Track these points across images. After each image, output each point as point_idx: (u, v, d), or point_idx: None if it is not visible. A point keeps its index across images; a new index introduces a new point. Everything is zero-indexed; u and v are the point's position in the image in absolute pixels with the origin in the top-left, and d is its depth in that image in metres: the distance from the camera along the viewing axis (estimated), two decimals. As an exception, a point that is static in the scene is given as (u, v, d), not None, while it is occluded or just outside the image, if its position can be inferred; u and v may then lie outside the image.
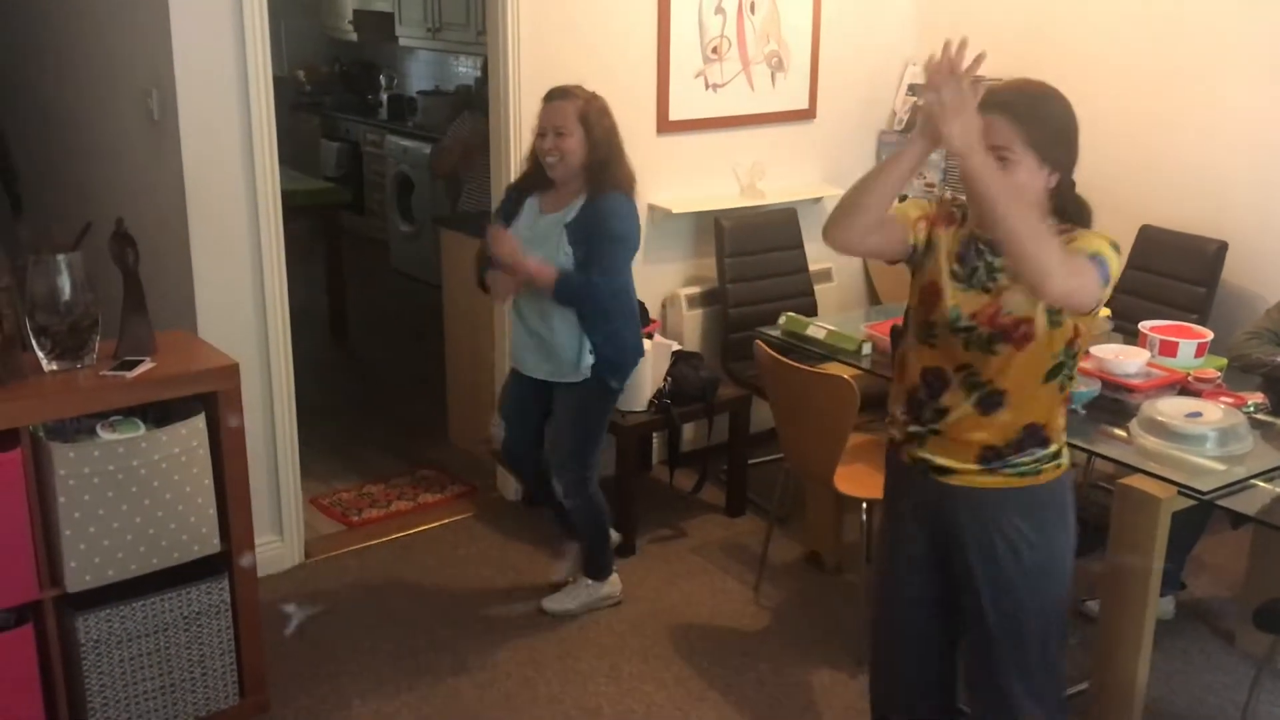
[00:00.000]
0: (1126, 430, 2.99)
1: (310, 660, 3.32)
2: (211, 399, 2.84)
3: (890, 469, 2.44)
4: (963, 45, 1.97)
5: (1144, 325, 3.49)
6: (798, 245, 4.56)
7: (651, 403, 3.94)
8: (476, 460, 4.47)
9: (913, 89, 4.90)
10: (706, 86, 4.40)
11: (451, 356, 4.68)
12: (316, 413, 4.57)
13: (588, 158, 3.18)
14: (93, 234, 2.80)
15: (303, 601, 3.57)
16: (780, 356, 3.38)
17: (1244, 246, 4.02)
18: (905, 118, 4.90)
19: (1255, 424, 3.01)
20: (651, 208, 4.34)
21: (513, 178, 3.66)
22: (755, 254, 4.42)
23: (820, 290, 4.64)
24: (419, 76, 8.37)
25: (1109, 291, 2.11)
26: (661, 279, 4.46)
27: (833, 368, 3.51)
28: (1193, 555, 3.64)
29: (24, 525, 2.62)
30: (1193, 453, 2.86)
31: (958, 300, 2.19)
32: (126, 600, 2.78)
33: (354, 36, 8.30)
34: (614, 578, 3.62)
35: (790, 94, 4.62)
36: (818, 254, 4.70)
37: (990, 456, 2.22)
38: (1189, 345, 3.34)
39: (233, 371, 2.87)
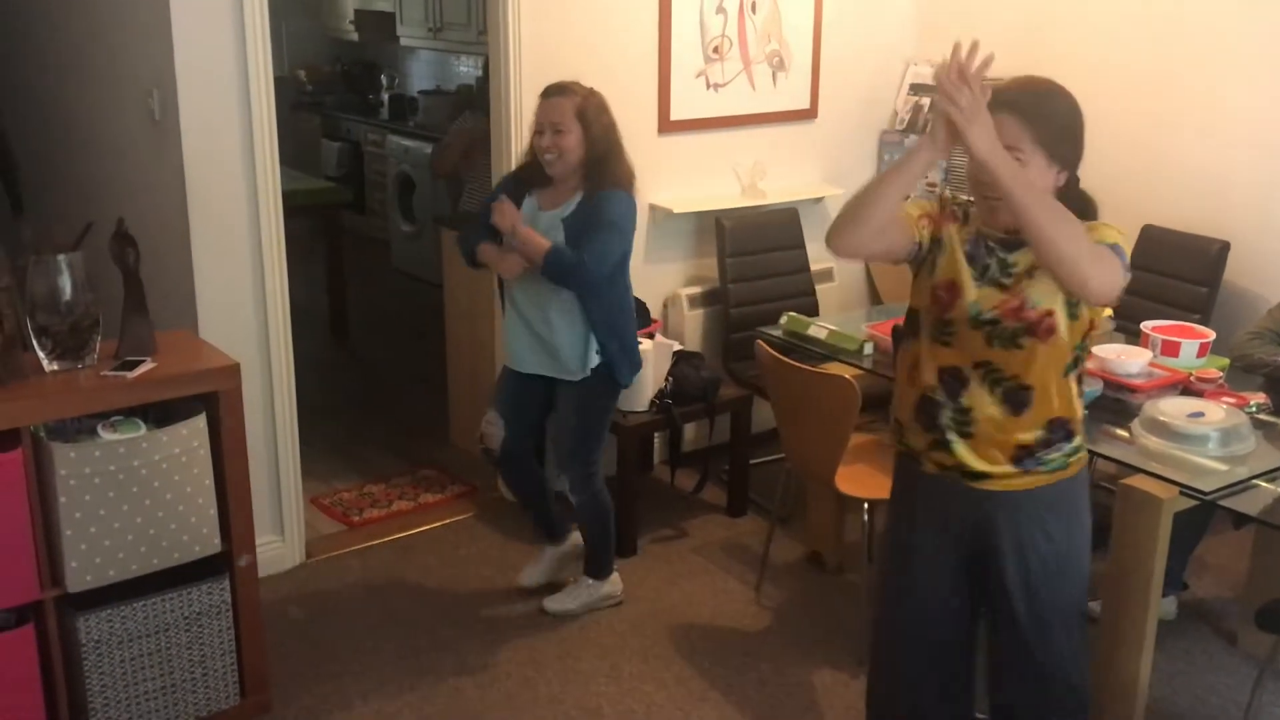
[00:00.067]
0: (1128, 430, 2.99)
1: (311, 660, 3.32)
2: (212, 399, 2.83)
3: (905, 478, 2.38)
4: (973, 49, 1.96)
5: (1146, 325, 3.49)
6: (799, 245, 4.56)
7: (653, 403, 3.94)
8: (477, 460, 4.45)
9: (915, 89, 4.90)
10: (707, 86, 4.39)
11: (452, 356, 4.68)
12: (317, 412, 4.56)
13: (586, 155, 3.16)
14: (93, 234, 2.80)
15: (304, 601, 3.58)
16: (781, 356, 3.37)
17: (1246, 246, 4.02)
18: (907, 117, 4.90)
19: (1257, 424, 3.01)
20: (653, 207, 4.34)
21: (513, 178, 3.65)
22: (756, 254, 4.42)
23: (821, 290, 4.64)
24: (420, 76, 8.37)
25: (1128, 279, 2.14)
26: (663, 279, 4.46)
27: (834, 368, 3.51)
28: (1195, 555, 3.63)
29: (25, 525, 2.62)
30: (1195, 453, 2.85)
31: (977, 295, 2.18)
32: (127, 600, 2.78)
33: (355, 36, 8.30)
34: (615, 577, 3.62)
35: (791, 94, 4.62)
36: (819, 254, 4.69)
37: (1023, 456, 2.22)
38: (1191, 345, 3.34)
39: (233, 371, 2.87)
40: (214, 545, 2.88)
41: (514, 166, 3.61)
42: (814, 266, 4.62)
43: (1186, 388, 3.21)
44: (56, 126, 4.43)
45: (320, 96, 8.54)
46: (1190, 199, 4.19)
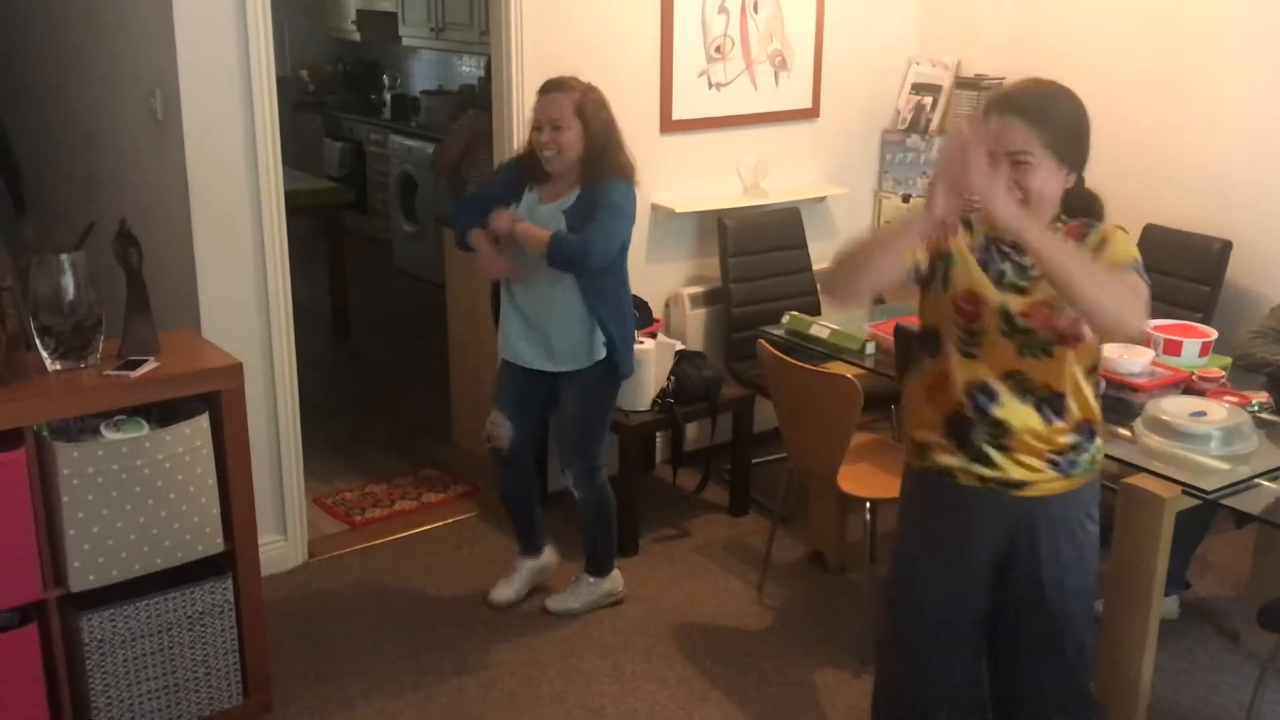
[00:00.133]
0: (1131, 429, 2.99)
1: (313, 660, 3.32)
2: (215, 398, 2.84)
3: (932, 494, 2.33)
4: (974, 122, 1.98)
5: (1148, 324, 3.49)
6: (801, 244, 4.56)
7: (655, 402, 3.94)
8: (479, 460, 4.46)
9: (917, 88, 4.90)
10: (710, 86, 4.39)
11: (454, 356, 4.68)
12: (319, 412, 4.57)
13: (585, 150, 3.15)
14: (96, 234, 2.80)
15: (306, 600, 3.58)
16: (783, 356, 3.38)
17: (1248, 246, 4.02)
18: (909, 116, 4.90)
19: (1260, 423, 3.01)
20: (655, 207, 4.34)
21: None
22: (758, 253, 4.42)
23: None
24: (422, 76, 8.37)
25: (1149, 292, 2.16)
26: (665, 278, 4.46)
27: (836, 367, 3.51)
28: (1197, 554, 3.63)
29: (28, 525, 2.63)
30: (1197, 452, 2.85)
31: (1001, 299, 2.16)
32: (130, 600, 2.78)
33: (357, 36, 8.31)
34: (615, 574, 3.62)
35: (794, 93, 4.62)
36: (821, 253, 4.69)
37: (1061, 461, 2.22)
38: (1193, 344, 3.34)
39: (236, 371, 2.87)
40: (216, 545, 2.88)
41: (514, 160, 3.56)
42: (816, 266, 4.61)
43: (1189, 387, 3.21)
44: (59, 126, 4.44)
45: (322, 96, 8.55)
46: (1192, 198, 4.19)
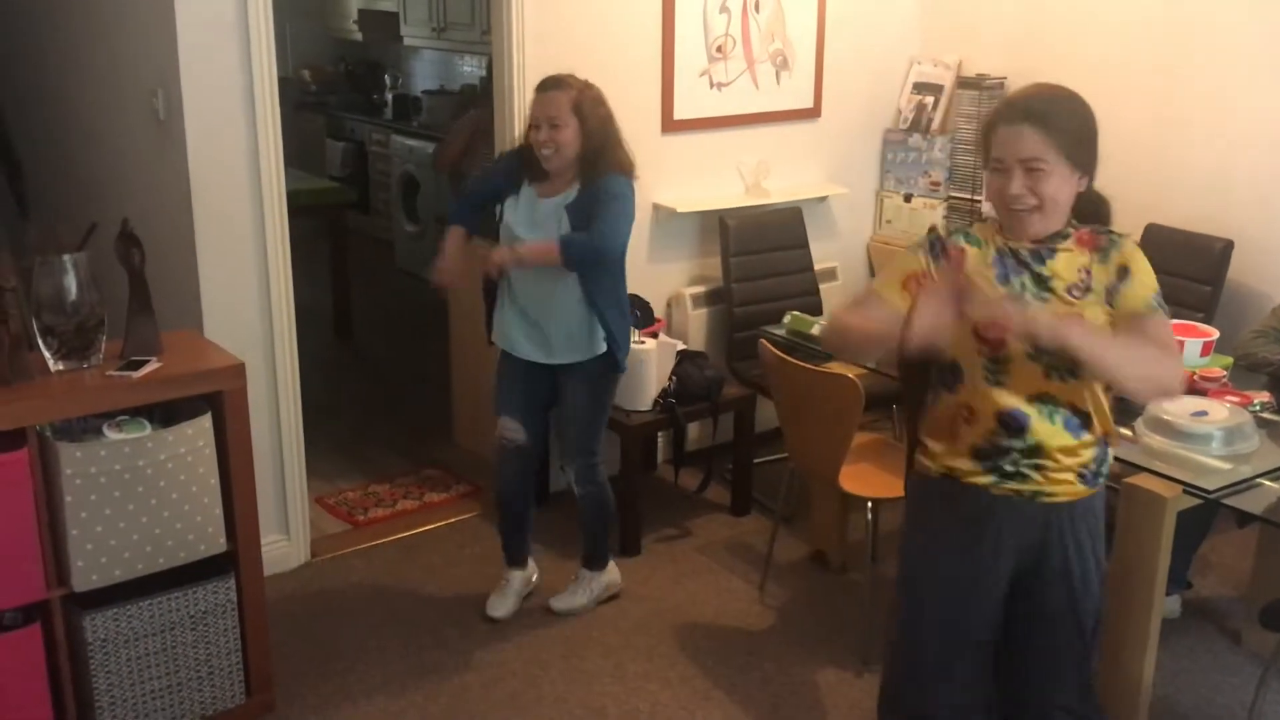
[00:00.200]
0: (1132, 429, 2.98)
1: (316, 659, 3.33)
2: (217, 399, 2.84)
3: (954, 499, 2.30)
4: (950, 272, 2.00)
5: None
6: (803, 244, 4.56)
7: (656, 402, 3.94)
8: (481, 459, 4.47)
9: (918, 88, 4.90)
10: (711, 85, 4.40)
11: (456, 356, 4.68)
12: (322, 412, 4.57)
13: (583, 148, 3.15)
14: (98, 234, 2.81)
15: (308, 600, 3.58)
16: (785, 355, 3.38)
17: (1250, 245, 4.02)
18: (910, 116, 4.90)
19: (1261, 423, 3.01)
20: (656, 207, 4.34)
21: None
22: (760, 253, 4.42)
23: (825, 289, 4.64)
24: (424, 76, 8.37)
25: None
26: (666, 278, 4.46)
27: (837, 367, 3.50)
28: (1199, 554, 3.63)
29: (31, 525, 2.63)
30: (1198, 451, 2.85)
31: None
32: (133, 600, 2.79)
33: (359, 36, 8.31)
34: (612, 565, 3.63)
35: (795, 93, 4.62)
36: (822, 253, 4.70)
37: (1088, 474, 2.23)
38: (1195, 344, 3.34)
39: (238, 371, 2.87)
40: (219, 545, 2.89)
41: (512, 154, 3.55)
42: (817, 266, 4.62)
43: (1190, 387, 3.21)
44: (61, 127, 4.44)
45: (324, 96, 8.55)
46: (1194, 197, 4.19)
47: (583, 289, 3.20)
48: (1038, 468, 2.20)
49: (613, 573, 3.63)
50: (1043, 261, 2.16)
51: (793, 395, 3.40)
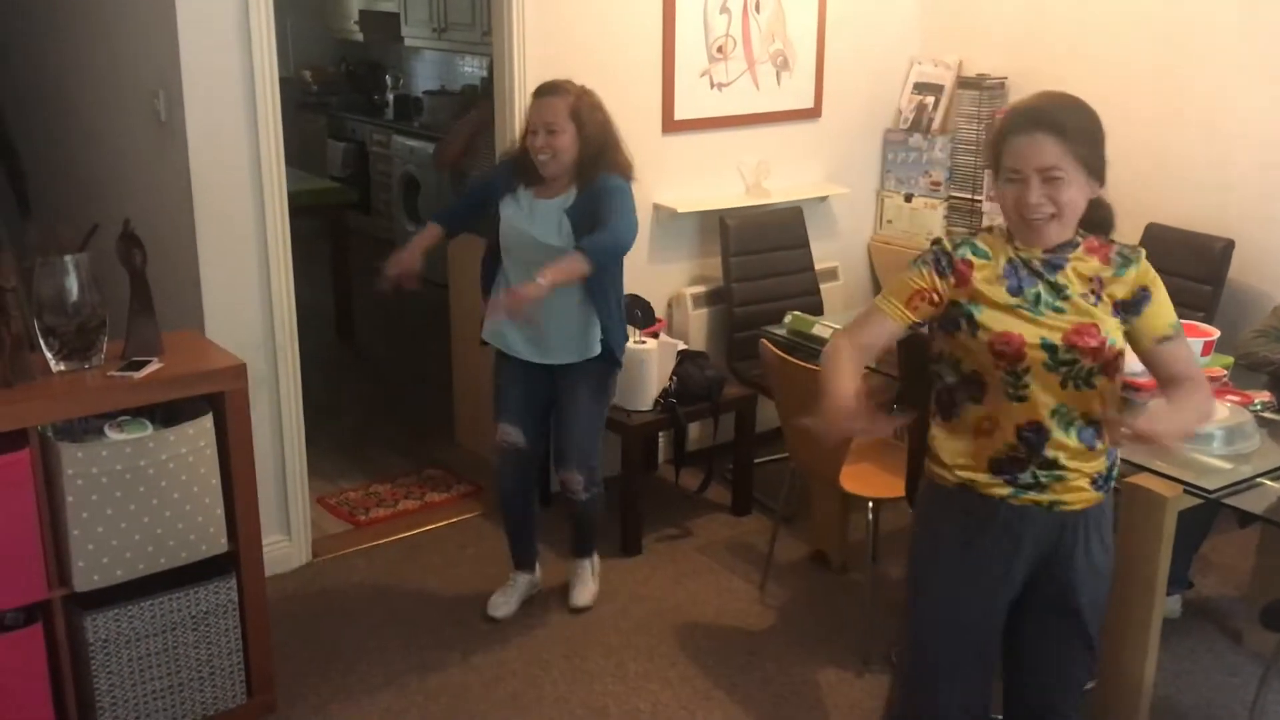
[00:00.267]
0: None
1: (317, 659, 3.33)
2: (219, 399, 2.84)
3: (969, 508, 2.27)
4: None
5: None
6: (803, 244, 4.56)
7: (657, 402, 3.94)
8: (483, 459, 4.48)
9: (919, 88, 4.90)
10: (711, 86, 4.40)
11: (458, 356, 4.69)
12: (323, 412, 4.58)
13: (580, 154, 3.14)
14: (100, 235, 2.81)
15: (310, 600, 3.59)
16: (786, 355, 3.38)
17: (1251, 245, 4.02)
18: (911, 116, 4.90)
19: (1262, 422, 3.01)
20: (657, 207, 4.35)
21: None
22: (761, 253, 4.43)
23: (826, 289, 4.64)
24: (425, 76, 8.38)
25: None
26: (667, 278, 4.46)
27: (838, 367, 3.50)
28: (1200, 554, 3.63)
29: (33, 525, 2.63)
30: (1199, 451, 2.85)
31: (1042, 331, 2.12)
32: (134, 600, 2.79)
33: (360, 37, 8.32)
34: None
35: (795, 93, 4.63)
36: (823, 253, 4.71)
37: (1100, 479, 2.24)
38: (1196, 344, 3.33)
39: (240, 371, 2.88)
40: (220, 545, 2.89)
41: (507, 154, 3.55)
42: (818, 265, 4.62)
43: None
44: (62, 128, 4.45)
45: (325, 97, 8.56)
46: (1194, 197, 4.19)
47: (583, 287, 3.20)
48: (1056, 478, 2.20)
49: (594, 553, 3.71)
50: (1056, 270, 2.15)
51: (793, 395, 3.40)
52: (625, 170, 3.20)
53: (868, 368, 3.46)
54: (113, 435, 2.71)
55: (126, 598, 2.78)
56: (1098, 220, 2.20)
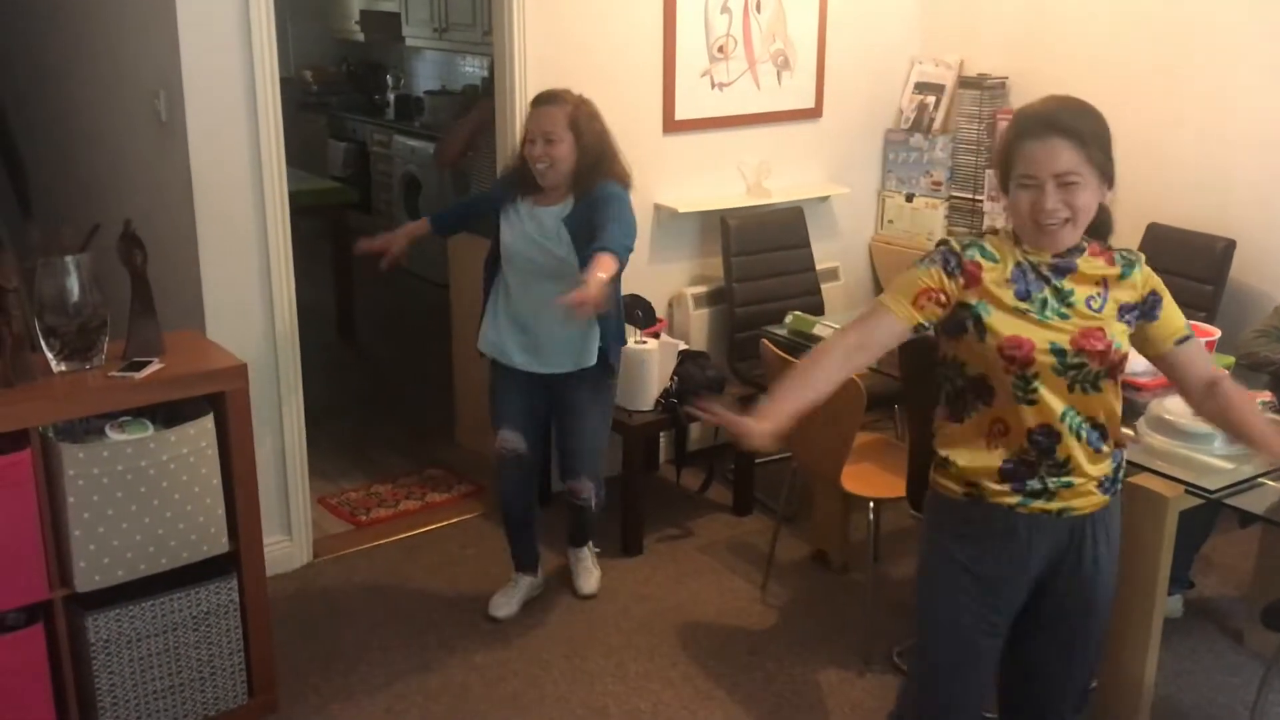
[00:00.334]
0: (1134, 429, 2.99)
1: (318, 659, 3.33)
2: (220, 399, 2.84)
3: (978, 518, 2.25)
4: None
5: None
6: (804, 244, 4.56)
7: (658, 402, 3.94)
8: (484, 460, 4.47)
9: (919, 88, 4.90)
10: (712, 86, 4.40)
11: (459, 356, 4.68)
12: (324, 413, 4.58)
13: (577, 163, 3.15)
14: (101, 235, 2.81)
15: (311, 600, 3.59)
16: (787, 355, 3.38)
17: (1252, 244, 4.02)
18: (911, 116, 4.90)
19: (1263, 422, 3.00)
20: (658, 207, 4.35)
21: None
22: (761, 253, 4.43)
23: (827, 289, 4.64)
24: (426, 76, 8.38)
25: None
26: (668, 278, 4.46)
27: (839, 367, 3.50)
28: (1201, 554, 3.63)
29: (34, 525, 2.64)
30: (1200, 451, 2.85)
31: (1050, 335, 2.11)
32: (136, 600, 2.79)
33: (360, 37, 8.32)
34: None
35: (796, 93, 4.62)
36: (824, 252, 4.71)
37: (1106, 483, 2.24)
38: (1196, 344, 3.33)
39: (241, 372, 2.88)
40: (222, 545, 2.89)
41: (508, 168, 3.57)
42: (819, 265, 4.62)
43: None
44: (63, 128, 4.45)
45: (326, 97, 8.56)
46: (1195, 197, 4.18)
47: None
48: (1064, 484, 2.19)
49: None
50: (1063, 275, 2.14)
51: (794, 395, 3.39)
52: (623, 179, 3.21)
53: (870, 369, 3.49)
54: (114, 435, 2.71)
55: (128, 598, 2.78)
56: (1096, 224, 2.20)
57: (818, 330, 3.74)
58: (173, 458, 2.75)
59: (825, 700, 3.19)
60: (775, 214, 4.52)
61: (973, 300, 2.14)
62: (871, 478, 3.43)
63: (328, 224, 6.22)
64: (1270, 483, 2.77)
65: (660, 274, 4.42)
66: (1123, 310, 2.16)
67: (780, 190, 4.60)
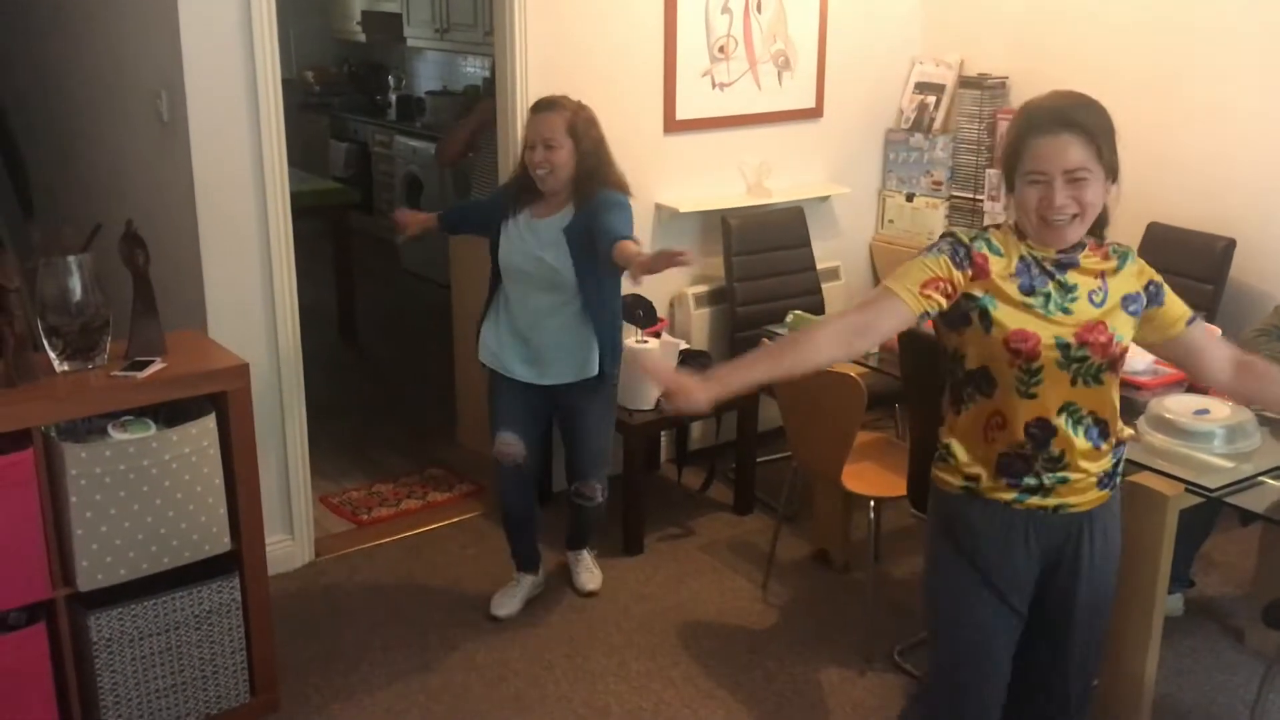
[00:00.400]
0: (1134, 428, 2.98)
1: (320, 658, 3.34)
2: (222, 399, 2.85)
3: (978, 516, 2.25)
4: None
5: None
6: (805, 244, 4.56)
7: (659, 402, 3.94)
8: (485, 459, 4.46)
9: (920, 88, 4.90)
10: (713, 86, 4.40)
11: (460, 356, 4.69)
12: (326, 412, 4.58)
13: (577, 169, 3.17)
14: (103, 235, 2.82)
15: (313, 599, 3.59)
16: (787, 355, 3.37)
17: (1252, 244, 4.02)
18: (912, 116, 4.90)
19: (1263, 421, 3.00)
20: (659, 207, 4.35)
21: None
22: (762, 252, 4.43)
23: (828, 289, 4.64)
24: (427, 77, 8.39)
25: None
26: (669, 278, 4.43)
27: (840, 366, 3.51)
28: (1201, 553, 3.63)
29: (36, 525, 2.64)
30: (1200, 450, 2.86)
31: (1055, 329, 2.11)
32: (138, 599, 2.80)
33: (362, 37, 8.33)
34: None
35: (797, 93, 4.63)
36: (825, 252, 4.71)
37: (1105, 479, 2.24)
38: (1197, 343, 3.33)
39: (243, 371, 2.88)
40: (224, 544, 2.90)
41: (511, 169, 3.61)
42: (820, 265, 4.62)
43: (1192, 385, 3.21)
44: (64, 128, 4.46)
45: (328, 97, 8.57)
46: (1195, 196, 4.19)
47: (584, 304, 3.22)
48: (1061, 480, 2.19)
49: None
50: (1067, 270, 2.15)
51: (795, 394, 3.41)
52: (623, 186, 3.23)
53: (868, 366, 3.50)
54: (116, 435, 2.71)
55: (130, 597, 2.79)
56: (1098, 223, 2.20)
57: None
58: (175, 457, 2.76)
59: (826, 699, 3.19)
60: (776, 214, 4.53)
61: (979, 293, 2.13)
62: (872, 477, 3.43)
63: (329, 224, 6.22)
64: (1271, 481, 2.77)
65: (661, 273, 4.39)
66: (1126, 301, 2.16)
67: (781, 190, 4.60)
